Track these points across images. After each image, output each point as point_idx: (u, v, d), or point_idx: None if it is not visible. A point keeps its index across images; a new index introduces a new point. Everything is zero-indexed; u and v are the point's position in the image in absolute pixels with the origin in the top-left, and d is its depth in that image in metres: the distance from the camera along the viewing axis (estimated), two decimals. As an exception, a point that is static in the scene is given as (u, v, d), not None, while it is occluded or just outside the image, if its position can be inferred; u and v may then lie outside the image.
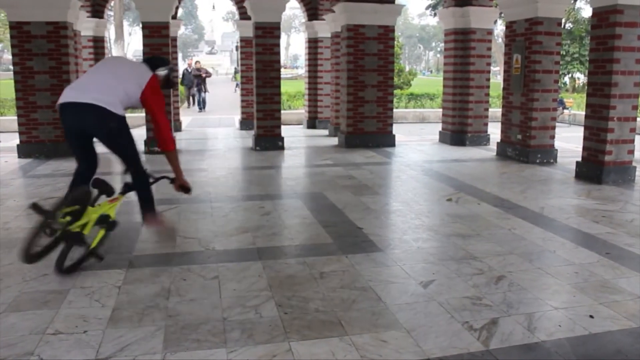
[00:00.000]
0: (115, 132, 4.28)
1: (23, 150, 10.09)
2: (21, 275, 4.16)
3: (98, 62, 4.74)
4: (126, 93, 4.29)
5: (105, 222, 4.40)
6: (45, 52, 9.89)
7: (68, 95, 4.22)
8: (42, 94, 9.98)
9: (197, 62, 23.99)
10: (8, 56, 63.13)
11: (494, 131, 11.84)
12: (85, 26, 13.16)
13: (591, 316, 3.49)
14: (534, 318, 3.46)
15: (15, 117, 10.37)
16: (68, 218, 4.05)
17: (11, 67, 10.44)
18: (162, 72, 4.73)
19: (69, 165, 9.14)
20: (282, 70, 18.96)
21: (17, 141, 10.26)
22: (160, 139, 4.48)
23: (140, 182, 4.65)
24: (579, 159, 8.35)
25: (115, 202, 4.58)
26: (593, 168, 7.96)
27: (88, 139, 4.40)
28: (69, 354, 3.00)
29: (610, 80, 7.65)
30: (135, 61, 4.96)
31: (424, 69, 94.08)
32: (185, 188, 4.68)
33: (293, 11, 74.95)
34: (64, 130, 4.38)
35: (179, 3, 14.55)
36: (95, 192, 4.47)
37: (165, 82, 4.77)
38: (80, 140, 4.40)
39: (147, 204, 4.74)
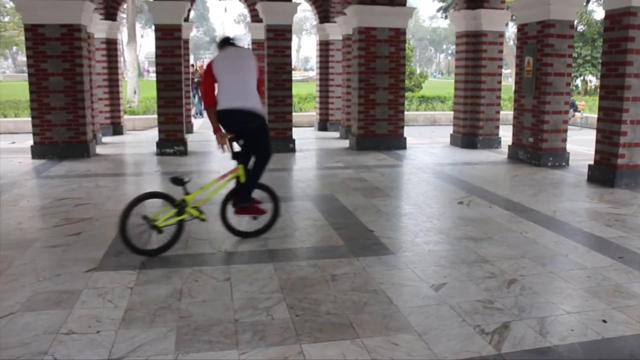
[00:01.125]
0: (262, 129, 5.14)
1: (37, 151, 10.18)
2: (35, 275, 4.20)
3: (228, 59, 5.13)
4: (254, 83, 5.15)
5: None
6: (59, 54, 9.98)
7: (227, 101, 5.00)
8: (56, 95, 10.07)
9: (200, 65, 23.93)
10: (23, 58, 63.70)
11: (506, 134, 11.80)
12: (98, 28, 13.27)
13: (604, 321, 3.47)
14: (546, 322, 3.45)
15: (30, 119, 10.46)
16: None
17: (26, 68, 10.52)
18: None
19: (82, 167, 9.23)
20: (293, 72, 19.00)
21: (31, 142, 10.35)
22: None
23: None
24: (591, 162, 8.30)
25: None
26: (606, 171, 7.91)
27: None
28: (82, 354, 3.03)
29: (623, 82, 7.60)
30: (238, 48, 5.30)
31: (434, 72, 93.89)
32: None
33: (304, 13, 75.18)
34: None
35: (191, 5, 14.63)
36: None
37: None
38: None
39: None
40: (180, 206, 4.81)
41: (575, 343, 3.19)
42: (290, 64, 11.45)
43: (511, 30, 42.33)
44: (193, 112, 20.72)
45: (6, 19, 31.47)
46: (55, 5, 9.82)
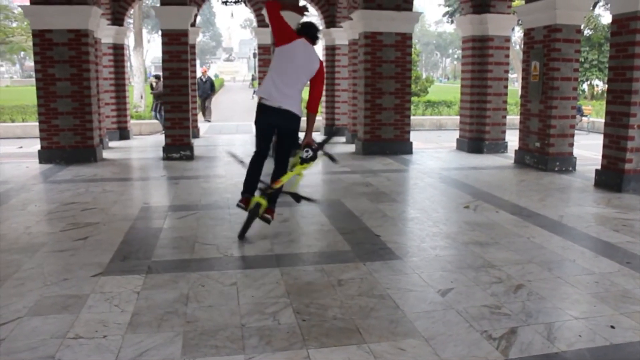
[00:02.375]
0: (293, 133, 5.34)
1: (44, 156, 10.23)
2: (42, 279, 4.21)
3: (287, 55, 5.16)
4: (302, 86, 5.26)
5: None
6: (67, 60, 10.04)
7: (268, 94, 5.11)
8: (63, 100, 10.12)
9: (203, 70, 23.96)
10: (30, 63, 64.04)
11: (512, 139, 11.78)
12: (105, 34, 13.33)
13: (612, 326, 3.45)
14: (553, 328, 3.43)
15: (37, 123, 10.52)
16: None
17: (33, 73, 10.59)
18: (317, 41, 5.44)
19: (89, 171, 9.27)
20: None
21: (39, 147, 10.40)
22: (311, 102, 5.22)
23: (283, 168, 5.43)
24: (599, 167, 8.27)
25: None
26: (613, 176, 7.88)
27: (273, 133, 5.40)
28: (89, 359, 3.03)
29: (630, 87, 7.57)
30: (307, 46, 5.33)
31: (440, 76, 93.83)
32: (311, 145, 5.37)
33: (311, 18, 75.17)
34: (258, 122, 5.29)
35: (198, 11, 14.69)
36: None
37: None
38: (270, 134, 5.39)
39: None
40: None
41: (584, 349, 3.18)
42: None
43: (517, 35, 42.25)
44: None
45: (14, 25, 31.66)
46: (63, 11, 9.88)
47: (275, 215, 5.50)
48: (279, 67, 5.07)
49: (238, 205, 5.35)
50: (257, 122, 5.27)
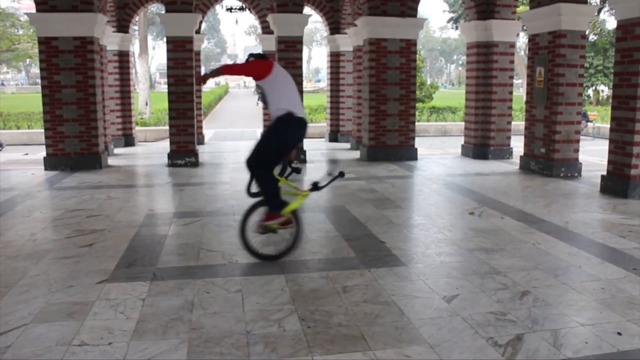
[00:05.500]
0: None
1: (49, 163, 10.26)
2: (47, 286, 4.22)
3: (282, 72, 5.07)
4: None
5: None
6: (72, 67, 10.09)
7: (298, 108, 4.96)
8: (68, 107, 10.16)
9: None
10: (36, 70, 64.35)
11: (517, 144, 11.76)
12: (110, 41, 13.40)
13: (619, 333, 3.43)
14: (559, 334, 3.41)
15: (42, 130, 10.56)
16: None
17: (39, 80, 10.64)
18: None
19: (94, 178, 9.30)
20: (304, 83, 19.07)
21: (44, 154, 10.44)
22: None
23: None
24: (604, 173, 8.25)
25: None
26: (619, 182, 7.85)
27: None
28: (95, 366, 3.03)
29: (635, 93, 7.56)
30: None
31: (445, 82, 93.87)
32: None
33: (315, 25, 75.50)
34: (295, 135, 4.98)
35: (203, 18, 14.74)
36: None
37: None
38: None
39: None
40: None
41: (591, 356, 3.16)
42: (301, 75, 11.48)
43: (522, 41, 42.25)
44: None
45: (20, 32, 31.84)
46: (69, 19, 9.94)
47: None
48: (288, 88, 5.00)
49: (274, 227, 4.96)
50: (295, 135, 5.00)
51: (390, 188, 8.49)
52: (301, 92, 11.37)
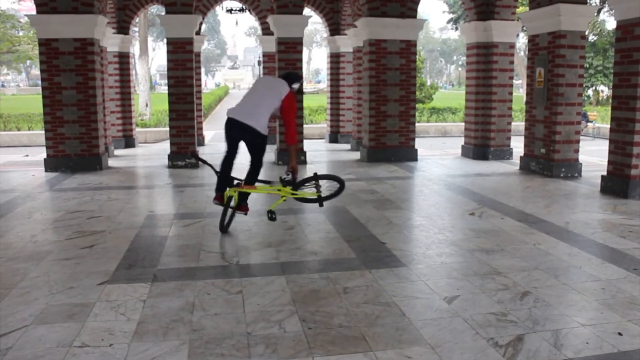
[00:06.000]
0: (258, 145, 5.76)
1: (50, 164, 10.27)
2: (48, 287, 4.22)
3: (255, 83, 6.26)
4: (270, 108, 5.72)
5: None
6: (73, 68, 10.09)
7: (235, 112, 5.74)
8: (69, 109, 10.17)
9: None
10: (36, 72, 64.38)
11: (517, 145, 11.76)
12: (111, 42, 13.41)
13: (620, 333, 3.43)
14: (560, 335, 3.41)
15: (43, 132, 10.56)
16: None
17: (39, 82, 10.64)
18: (295, 85, 6.10)
19: (95, 179, 9.30)
20: (305, 84, 19.06)
21: (44, 155, 10.45)
22: (287, 136, 5.84)
23: (255, 171, 5.97)
24: (604, 173, 8.25)
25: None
26: (619, 182, 7.86)
27: (239, 142, 5.89)
28: (96, 367, 3.03)
29: (635, 93, 7.56)
30: (277, 79, 6.36)
31: (445, 83, 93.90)
32: (294, 171, 5.83)
33: (315, 26, 75.51)
34: (226, 133, 5.86)
35: (203, 19, 14.75)
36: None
37: (297, 92, 6.27)
38: (235, 142, 5.89)
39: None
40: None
41: (591, 356, 3.16)
42: (301, 76, 11.47)
43: (522, 41, 42.27)
44: None
45: (20, 34, 31.84)
46: (69, 20, 9.95)
47: (249, 212, 6.06)
48: (245, 97, 5.98)
49: (215, 203, 5.93)
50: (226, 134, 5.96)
51: (391, 189, 8.49)
52: (301, 92, 11.41)
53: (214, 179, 9.61)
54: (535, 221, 6.37)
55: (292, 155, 5.92)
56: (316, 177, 5.92)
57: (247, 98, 5.89)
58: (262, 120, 5.65)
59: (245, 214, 5.98)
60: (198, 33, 14.48)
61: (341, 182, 6.03)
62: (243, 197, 5.92)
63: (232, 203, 5.88)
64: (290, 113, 5.84)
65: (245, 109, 5.74)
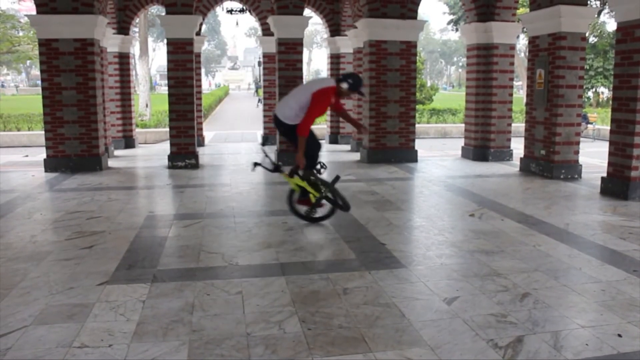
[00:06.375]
0: (285, 133, 6.25)
1: (50, 165, 10.27)
2: (48, 288, 4.22)
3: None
4: (298, 101, 6.02)
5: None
6: (73, 69, 10.09)
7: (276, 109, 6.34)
8: (69, 109, 10.17)
9: None
10: (36, 72, 64.40)
11: (517, 146, 11.76)
12: (111, 42, 13.41)
13: (619, 335, 3.43)
14: (560, 336, 3.41)
15: (43, 132, 10.56)
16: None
17: (39, 82, 10.64)
18: (344, 85, 6.13)
19: (94, 180, 9.30)
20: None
21: (44, 155, 10.45)
22: (300, 126, 5.95)
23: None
24: (604, 175, 8.25)
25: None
26: (619, 184, 7.86)
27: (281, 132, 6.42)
28: (95, 368, 3.03)
29: (635, 95, 7.56)
30: (325, 78, 6.88)
31: (445, 84, 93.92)
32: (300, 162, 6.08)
33: (315, 27, 75.55)
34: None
35: (203, 19, 14.75)
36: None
37: (348, 91, 6.21)
38: (280, 133, 6.50)
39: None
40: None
41: (591, 358, 3.16)
42: (301, 77, 11.50)
43: (522, 43, 42.28)
44: None
45: (20, 34, 31.86)
46: (69, 20, 9.95)
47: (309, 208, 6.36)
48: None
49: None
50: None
51: (391, 190, 8.49)
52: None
53: (213, 179, 9.68)
54: (535, 222, 6.37)
55: (300, 146, 6.01)
56: (333, 186, 6.21)
57: (286, 97, 6.37)
58: (287, 112, 6.06)
59: (309, 207, 6.35)
60: (198, 34, 14.48)
61: (346, 207, 6.19)
62: (303, 191, 6.32)
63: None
64: (312, 106, 5.94)
65: (279, 104, 6.46)
